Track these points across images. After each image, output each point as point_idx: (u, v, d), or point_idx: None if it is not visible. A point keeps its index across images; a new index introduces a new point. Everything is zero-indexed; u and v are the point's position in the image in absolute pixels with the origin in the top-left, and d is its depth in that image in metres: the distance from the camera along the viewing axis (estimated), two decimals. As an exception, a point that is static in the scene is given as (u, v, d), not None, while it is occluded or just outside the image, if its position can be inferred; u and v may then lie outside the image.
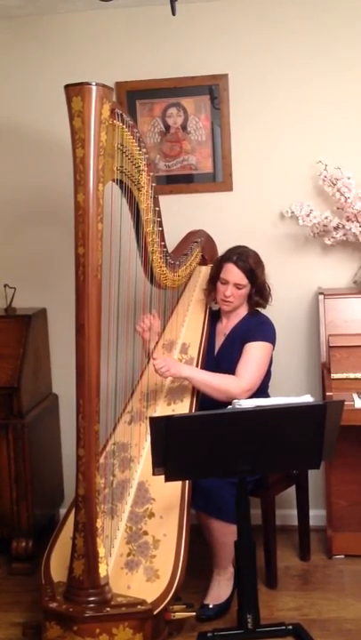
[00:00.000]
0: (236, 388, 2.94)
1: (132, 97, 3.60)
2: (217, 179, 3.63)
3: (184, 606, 2.66)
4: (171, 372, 2.92)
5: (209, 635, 2.69)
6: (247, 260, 3.07)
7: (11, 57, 3.67)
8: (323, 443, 2.55)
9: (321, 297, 3.38)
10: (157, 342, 3.20)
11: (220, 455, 2.54)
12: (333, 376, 3.21)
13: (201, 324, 3.19)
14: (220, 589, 2.97)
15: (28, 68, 3.66)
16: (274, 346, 3.11)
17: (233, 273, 3.07)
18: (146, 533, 2.72)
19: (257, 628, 2.64)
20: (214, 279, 3.16)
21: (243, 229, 3.53)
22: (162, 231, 2.92)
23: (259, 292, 3.11)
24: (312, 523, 3.38)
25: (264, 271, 3.12)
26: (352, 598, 3.02)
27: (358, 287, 3.51)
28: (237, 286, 3.08)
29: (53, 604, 2.56)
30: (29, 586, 3.22)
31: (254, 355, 3.03)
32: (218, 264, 3.16)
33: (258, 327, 3.10)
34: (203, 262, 3.37)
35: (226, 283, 3.09)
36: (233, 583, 2.95)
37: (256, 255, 3.12)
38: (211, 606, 2.91)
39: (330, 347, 3.28)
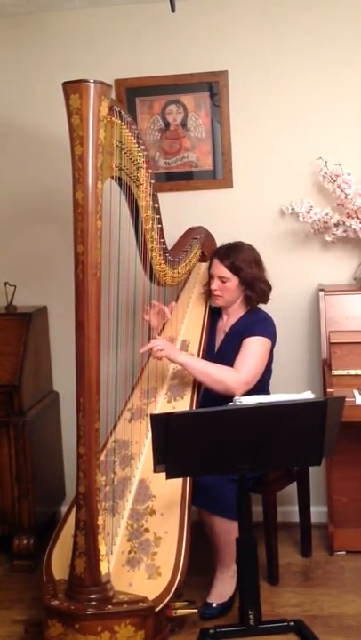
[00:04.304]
0: (234, 380, 2.94)
1: (131, 94, 3.59)
2: (217, 176, 3.62)
3: (186, 603, 2.66)
4: (165, 351, 2.92)
5: (211, 631, 2.70)
6: (230, 254, 3.08)
7: (9, 55, 3.67)
8: (323, 439, 2.55)
9: (321, 293, 3.38)
10: (161, 331, 3.21)
11: (221, 452, 2.54)
12: (334, 372, 3.21)
13: (201, 321, 3.19)
14: (224, 588, 2.96)
15: (26, 66, 3.66)
16: (273, 343, 3.11)
17: (216, 266, 3.11)
18: (147, 531, 2.72)
19: (259, 624, 2.65)
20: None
21: (243, 226, 3.53)
22: (161, 228, 2.92)
23: (248, 286, 3.10)
24: (313, 519, 3.38)
25: (256, 265, 3.10)
26: (353, 594, 3.02)
27: (359, 284, 3.50)
28: (221, 279, 3.09)
29: (55, 602, 2.56)
30: (31, 583, 3.22)
31: (252, 349, 3.02)
32: (209, 260, 3.20)
33: (257, 323, 3.10)
34: (202, 259, 3.36)
35: (212, 277, 3.13)
36: (236, 581, 2.94)
37: (249, 250, 3.12)
38: (214, 605, 2.91)
39: (330, 343, 3.28)
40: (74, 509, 2.65)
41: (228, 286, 3.10)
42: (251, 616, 2.64)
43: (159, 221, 2.90)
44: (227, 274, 3.08)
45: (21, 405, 3.34)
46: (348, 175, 3.35)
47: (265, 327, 3.09)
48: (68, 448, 3.74)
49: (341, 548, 3.36)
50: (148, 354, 3.10)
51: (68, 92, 2.45)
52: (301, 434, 2.55)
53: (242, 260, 3.07)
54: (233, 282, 3.09)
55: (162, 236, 2.94)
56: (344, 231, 3.44)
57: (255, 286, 3.10)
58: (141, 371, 3.19)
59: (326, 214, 3.43)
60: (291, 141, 3.54)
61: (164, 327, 3.25)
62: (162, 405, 3.02)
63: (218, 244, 3.33)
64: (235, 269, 3.07)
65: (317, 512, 3.49)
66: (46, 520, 3.59)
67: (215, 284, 3.11)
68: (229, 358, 3.06)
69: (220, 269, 3.09)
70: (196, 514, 2.89)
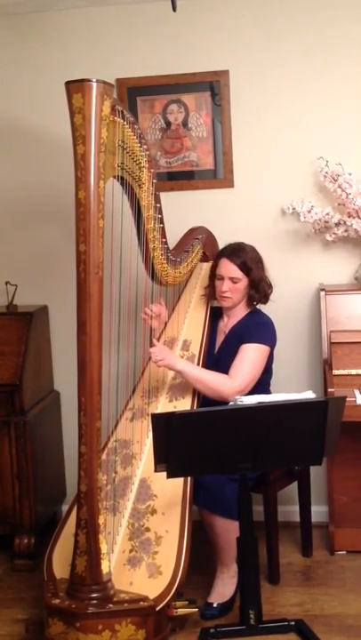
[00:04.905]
0: (228, 388, 2.93)
1: (132, 93, 3.59)
2: (218, 175, 3.62)
3: (187, 602, 2.66)
4: (164, 362, 2.92)
5: (211, 630, 2.70)
6: (240, 254, 3.07)
7: (11, 54, 3.67)
8: (324, 439, 2.55)
9: (322, 293, 3.38)
10: (162, 332, 3.20)
11: (222, 452, 2.54)
12: (335, 372, 3.21)
13: (202, 321, 3.19)
14: (225, 588, 2.96)
15: (28, 66, 3.66)
16: (273, 347, 3.10)
17: (227, 267, 3.08)
18: (148, 530, 2.72)
19: (259, 623, 2.65)
20: (212, 277, 3.16)
21: (244, 226, 3.53)
22: (163, 228, 2.92)
23: (254, 286, 3.09)
24: (314, 519, 3.38)
25: (261, 265, 3.11)
26: (354, 594, 3.02)
27: (359, 283, 3.50)
28: (233, 280, 3.07)
29: (56, 601, 2.57)
30: (32, 582, 3.22)
31: (249, 356, 3.01)
32: (214, 262, 3.17)
33: (256, 328, 3.09)
34: (204, 259, 3.37)
35: (222, 278, 3.10)
36: (237, 581, 2.94)
37: (253, 250, 3.12)
38: (215, 605, 2.91)
39: (331, 343, 3.29)
40: (75, 508, 2.66)
41: (239, 287, 3.08)
42: (251, 615, 2.64)
43: (161, 221, 2.90)
44: (238, 274, 3.06)
45: (22, 405, 3.34)
46: (350, 175, 3.36)
47: (264, 333, 3.08)
48: (69, 447, 3.73)
49: (342, 548, 3.36)
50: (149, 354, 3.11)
51: (70, 92, 2.46)
52: (302, 433, 2.55)
53: (251, 260, 3.07)
54: (243, 282, 3.08)
55: (163, 235, 2.94)
56: (345, 231, 3.44)
57: (260, 287, 3.10)
58: (143, 370, 3.20)
59: (327, 214, 3.43)
60: (292, 141, 3.54)
61: (165, 327, 3.25)
62: (163, 405, 3.02)
63: (219, 244, 3.33)
64: (246, 269, 3.06)
65: (318, 512, 3.49)
66: (47, 519, 3.59)
67: (226, 285, 3.08)
68: (228, 360, 3.05)
69: (232, 270, 3.06)
70: (196, 513, 2.89)
